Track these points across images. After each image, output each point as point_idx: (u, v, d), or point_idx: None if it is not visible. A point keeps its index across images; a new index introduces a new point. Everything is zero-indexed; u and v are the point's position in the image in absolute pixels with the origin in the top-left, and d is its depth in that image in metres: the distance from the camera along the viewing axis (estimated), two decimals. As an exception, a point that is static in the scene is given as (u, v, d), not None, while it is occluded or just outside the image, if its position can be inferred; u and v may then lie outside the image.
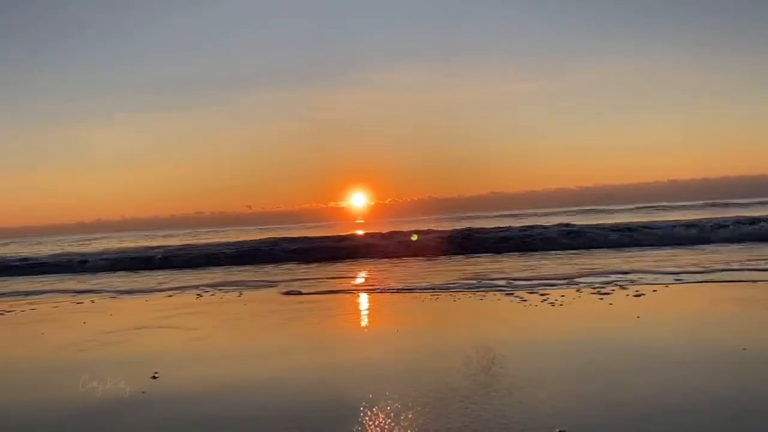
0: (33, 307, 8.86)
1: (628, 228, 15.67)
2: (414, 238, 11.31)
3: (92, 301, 9.17)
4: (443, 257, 13.71)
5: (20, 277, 14.64)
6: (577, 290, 7.40)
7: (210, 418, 3.42)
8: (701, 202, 31.42)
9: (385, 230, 17.39)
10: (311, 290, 9.08)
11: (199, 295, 9.25)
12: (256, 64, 76.19)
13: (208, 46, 71.82)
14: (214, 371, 4.54)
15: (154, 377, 4.31)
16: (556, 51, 74.35)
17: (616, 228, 15.84)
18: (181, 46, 68.56)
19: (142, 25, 62.18)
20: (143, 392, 3.94)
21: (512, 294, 7.38)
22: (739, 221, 15.47)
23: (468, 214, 38.25)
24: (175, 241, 23.36)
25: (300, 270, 12.77)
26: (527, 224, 17.75)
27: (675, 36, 64.09)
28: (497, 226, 17.94)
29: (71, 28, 62.50)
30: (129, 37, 64.00)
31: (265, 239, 18.63)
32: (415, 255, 14.09)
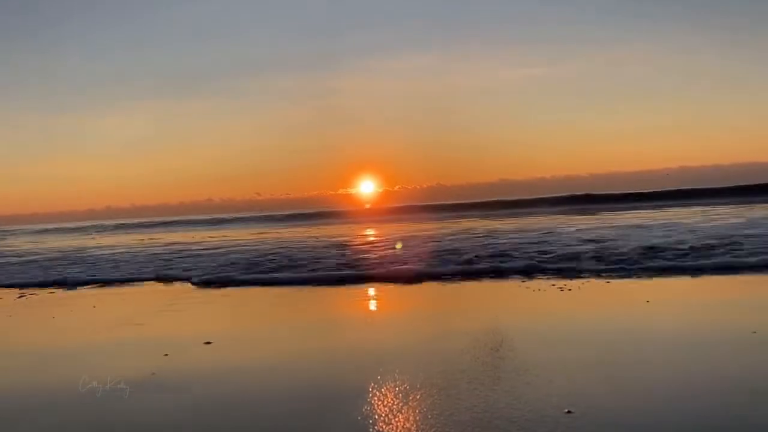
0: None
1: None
2: (398, 246, 11.13)
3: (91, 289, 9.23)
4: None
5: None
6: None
7: (220, 400, 3.44)
8: (710, 187, 31.22)
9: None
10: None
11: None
12: (265, 51, 76.21)
13: (217, 34, 71.80)
14: (224, 354, 4.57)
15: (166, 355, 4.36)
16: (566, 36, 73.80)
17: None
18: (189, 35, 68.64)
19: (150, 12, 62.11)
20: (153, 373, 3.97)
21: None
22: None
23: (474, 200, 38.14)
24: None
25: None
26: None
27: (685, 19, 63.40)
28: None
29: (81, 16, 62.45)
30: (137, 25, 63.99)
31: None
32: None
